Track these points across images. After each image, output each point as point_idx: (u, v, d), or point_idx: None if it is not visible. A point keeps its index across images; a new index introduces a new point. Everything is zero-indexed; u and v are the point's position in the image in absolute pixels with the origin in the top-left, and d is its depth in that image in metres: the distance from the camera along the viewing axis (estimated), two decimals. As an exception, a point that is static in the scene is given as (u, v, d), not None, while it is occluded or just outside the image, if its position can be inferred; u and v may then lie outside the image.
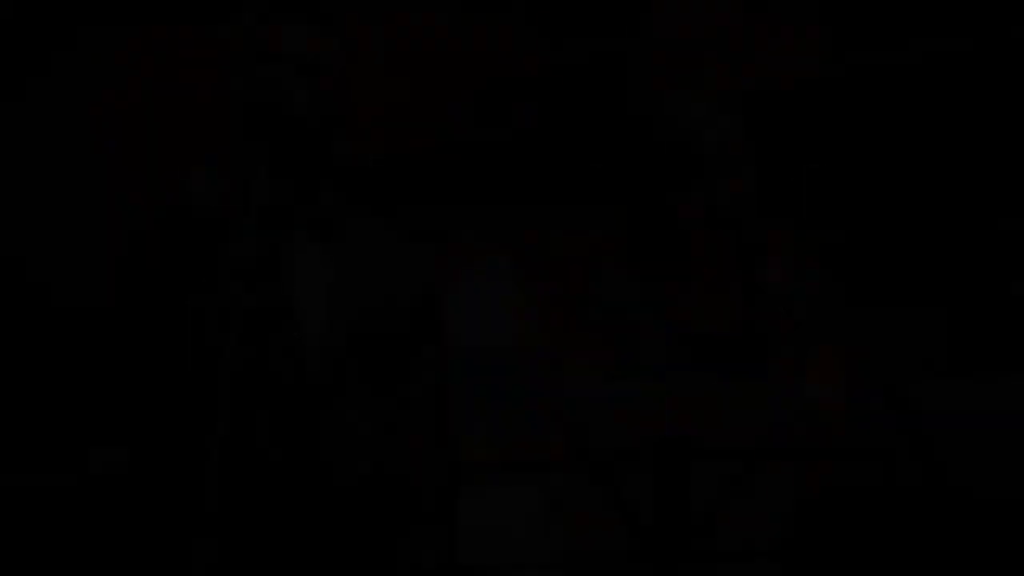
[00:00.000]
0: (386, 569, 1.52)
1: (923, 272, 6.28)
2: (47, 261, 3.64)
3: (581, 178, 4.21)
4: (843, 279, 1.57)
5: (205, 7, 4.09)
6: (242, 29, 1.57)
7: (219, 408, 1.03)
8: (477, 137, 3.55)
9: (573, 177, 4.25)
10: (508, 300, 6.48)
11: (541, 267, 6.53)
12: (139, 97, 4.02)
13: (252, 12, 1.58)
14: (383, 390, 1.57)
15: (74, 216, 3.74)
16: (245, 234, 1.13)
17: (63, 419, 3.43)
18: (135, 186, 3.89)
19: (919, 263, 6.13)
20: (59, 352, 2.26)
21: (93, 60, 3.88)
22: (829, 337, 1.50)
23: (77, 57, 3.82)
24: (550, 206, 4.96)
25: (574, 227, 5.69)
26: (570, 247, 6.57)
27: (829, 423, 1.41)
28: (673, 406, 0.96)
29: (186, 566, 0.94)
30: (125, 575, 1.56)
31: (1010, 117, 3.14)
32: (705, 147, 1.46)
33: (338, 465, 1.50)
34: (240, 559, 1.14)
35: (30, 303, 3.56)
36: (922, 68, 2.59)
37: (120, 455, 3.68)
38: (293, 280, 1.51)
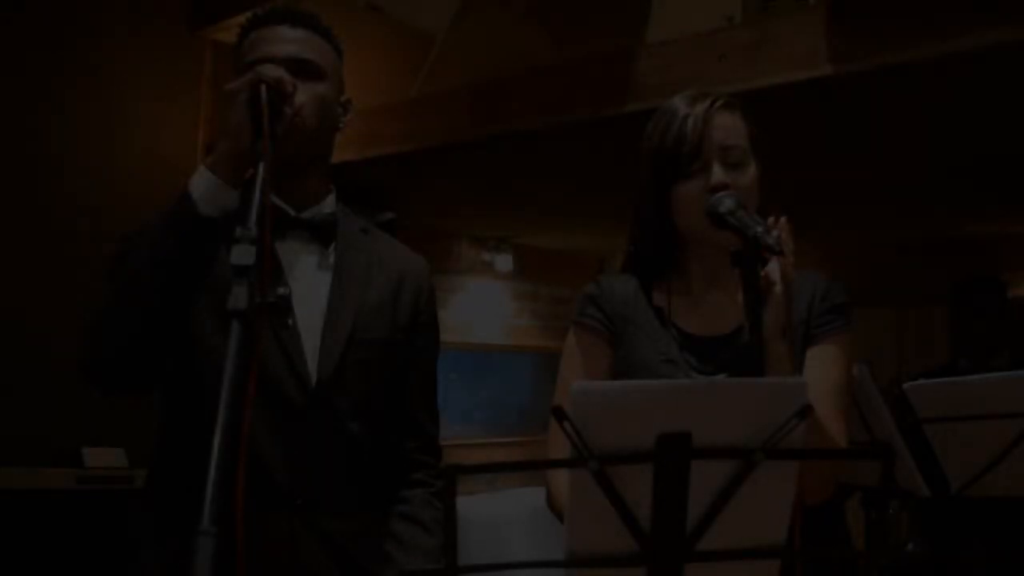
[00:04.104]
0: (386, 568, 1.52)
1: (923, 272, 6.25)
2: (49, 260, 3.64)
3: (581, 177, 4.21)
4: (844, 278, 1.57)
5: (206, 9, 4.09)
6: (242, 31, 1.57)
7: (219, 409, 1.02)
8: (477, 137, 3.55)
9: (573, 176, 4.25)
10: (507, 300, 6.46)
11: (540, 267, 6.51)
12: (140, 99, 4.02)
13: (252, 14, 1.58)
14: (382, 391, 1.57)
15: (76, 215, 3.74)
16: (245, 234, 1.13)
17: (61, 418, 3.44)
18: (137, 186, 3.89)
19: (919, 263, 6.10)
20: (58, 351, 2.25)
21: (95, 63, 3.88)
22: (829, 335, 1.49)
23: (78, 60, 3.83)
24: (550, 206, 4.96)
25: (574, 227, 5.67)
26: (570, 247, 6.55)
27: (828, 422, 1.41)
28: (673, 406, 0.95)
29: (185, 567, 0.94)
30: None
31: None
32: (706, 147, 1.46)
33: (337, 464, 1.50)
34: (238, 560, 1.14)
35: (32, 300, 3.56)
36: (923, 68, 2.58)
37: (117, 455, 3.66)
38: (293, 280, 1.52)
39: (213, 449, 1.00)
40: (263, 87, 1.33)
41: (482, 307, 5.92)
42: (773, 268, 1.32)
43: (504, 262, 5.92)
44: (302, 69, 1.49)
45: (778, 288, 1.32)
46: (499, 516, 4.92)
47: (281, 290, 1.46)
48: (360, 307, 1.54)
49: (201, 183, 1.34)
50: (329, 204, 1.60)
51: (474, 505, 4.83)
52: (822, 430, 1.36)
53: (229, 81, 1.39)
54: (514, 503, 5.00)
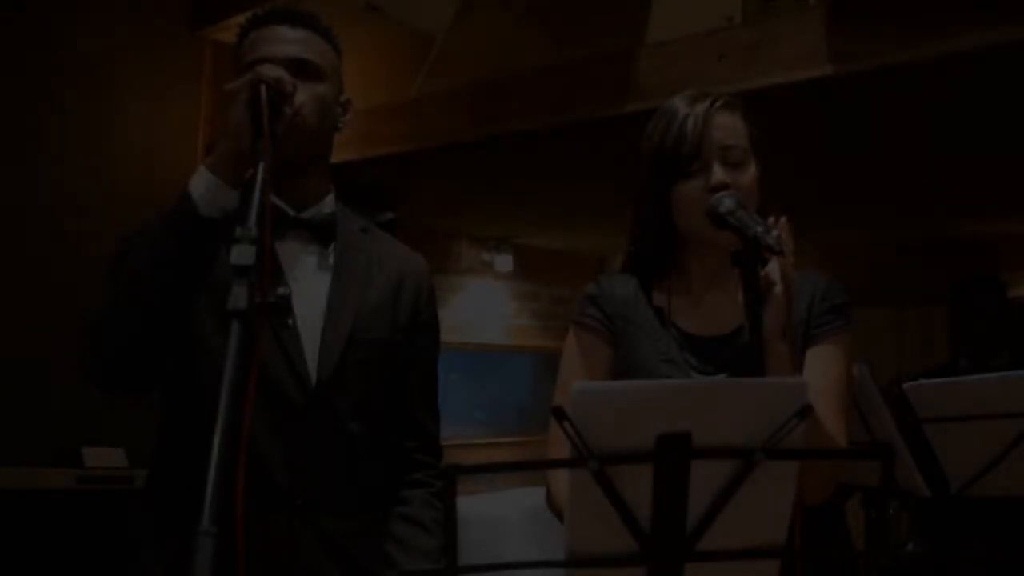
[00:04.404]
0: (386, 569, 1.52)
1: (923, 272, 6.24)
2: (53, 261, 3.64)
3: (581, 177, 4.21)
4: (844, 278, 1.57)
5: (206, 9, 4.09)
6: (242, 31, 1.57)
7: (219, 409, 1.02)
8: (477, 137, 3.55)
9: (573, 176, 4.25)
10: (507, 300, 6.45)
11: (540, 267, 6.50)
12: (139, 99, 4.02)
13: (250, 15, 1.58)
14: (382, 390, 1.57)
15: (76, 215, 3.74)
16: (245, 234, 1.13)
17: (61, 418, 3.44)
18: (137, 186, 3.89)
19: (920, 263, 6.09)
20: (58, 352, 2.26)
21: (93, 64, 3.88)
22: (828, 335, 1.49)
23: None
24: (550, 206, 4.96)
25: (574, 227, 5.67)
26: (570, 247, 6.53)
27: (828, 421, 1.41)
28: (673, 406, 0.95)
29: (185, 567, 0.94)
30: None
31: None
32: (706, 147, 1.46)
33: (337, 464, 1.50)
34: (238, 560, 1.14)
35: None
36: (923, 68, 2.59)
37: (117, 455, 3.65)
38: (293, 280, 1.51)
39: (213, 449, 1.00)
40: (263, 87, 1.33)
41: (482, 307, 5.92)
42: (773, 268, 1.32)
43: (504, 262, 5.91)
44: (302, 69, 1.49)
45: (778, 288, 1.32)
46: (499, 516, 4.91)
47: (281, 290, 1.46)
48: (360, 307, 1.54)
49: (201, 183, 1.34)
50: (329, 204, 1.60)
51: (474, 505, 4.83)
52: (822, 430, 1.36)
53: (229, 81, 1.39)
54: (514, 503, 4.99)
